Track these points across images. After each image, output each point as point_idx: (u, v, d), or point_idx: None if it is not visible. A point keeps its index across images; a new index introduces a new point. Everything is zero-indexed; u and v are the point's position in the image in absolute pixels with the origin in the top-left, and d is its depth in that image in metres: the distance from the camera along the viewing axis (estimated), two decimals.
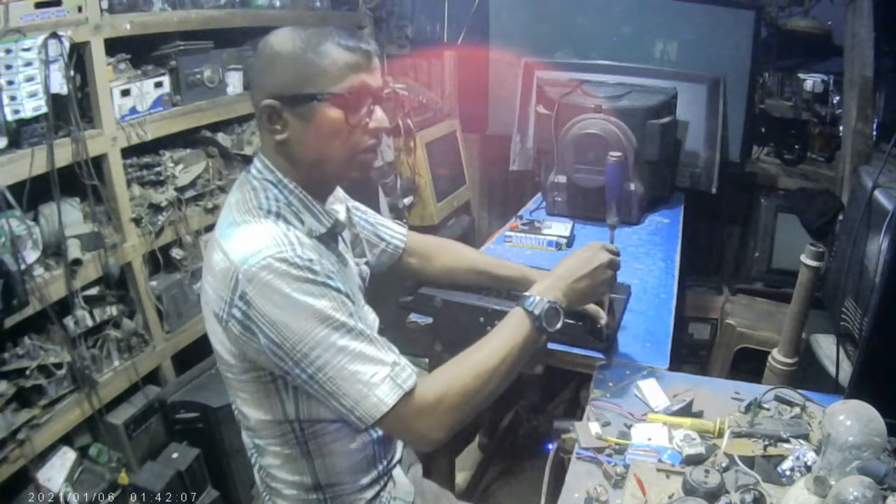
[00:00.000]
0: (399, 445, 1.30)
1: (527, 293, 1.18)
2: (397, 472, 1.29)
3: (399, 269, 1.52)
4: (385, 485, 1.25)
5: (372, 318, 1.25)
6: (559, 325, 1.17)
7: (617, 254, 1.31)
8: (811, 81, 3.19)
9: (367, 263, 1.38)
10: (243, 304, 0.98)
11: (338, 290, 1.01)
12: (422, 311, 1.55)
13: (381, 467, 1.22)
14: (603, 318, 1.42)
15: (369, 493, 1.21)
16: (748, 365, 2.31)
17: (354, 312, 1.02)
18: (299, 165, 1.09)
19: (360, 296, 1.24)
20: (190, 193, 2.18)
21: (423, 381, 1.03)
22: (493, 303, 1.46)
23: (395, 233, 1.48)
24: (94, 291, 1.90)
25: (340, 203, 1.27)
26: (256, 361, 1.05)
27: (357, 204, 1.42)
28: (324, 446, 1.13)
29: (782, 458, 1.11)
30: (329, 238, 1.14)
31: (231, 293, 0.98)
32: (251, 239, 1.00)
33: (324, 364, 0.98)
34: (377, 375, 0.98)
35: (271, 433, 1.13)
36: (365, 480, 1.20)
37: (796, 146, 3.25)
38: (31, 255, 1.68)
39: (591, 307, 1.40)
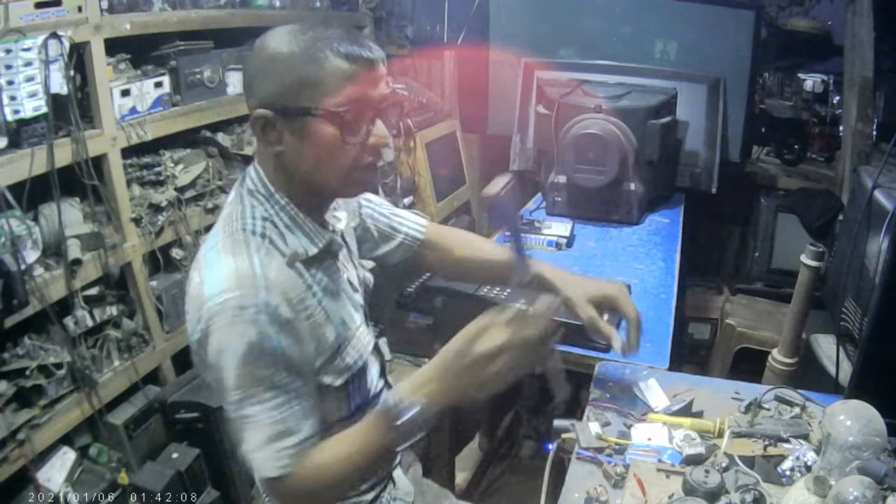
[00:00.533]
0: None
1: (398, 388, 0.99)
2: (397, 473, 1.29)
3: (416, 262, 1.42)
4: (385, 486, 1.25)
5: (367, 339, 1.17)
6: (424, 433, 0.98)
7: (543, 316, 0.98)
8: (811, 81, 3.20)
9: (374, 266, 1.33)
10: (200, 336, 0.97)
11: (274, 355, 0.95)
12: (422, 308, 1.54)
13: (380, 471, 1.22)
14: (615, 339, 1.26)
15: (369, 496, 1.21)
16: (748, 365, 2.31)
17: (286, 380, 0.96)
18: (294, 179, 1.03)
19: (356, 315, 1.15)
20: (190, 193, 2.18)
21: (298, 471, 0.98)
22: (494, 302, 1.46)
23: (413, 224, 1.38)
24: (94, 291, 1.90)
25: (342, 209, 1.19)
26: None
27: (371, 196, 1.33)
28: None
29: (782, 458, 1.11)
30: (324, 255, 1.09)
31: (196, 321, 0.98)
32: (222, 273, 0.96)
33: (239, 422, 0.97)
34: (266, 449, 0.96)
35: None
36: (365, 485, 1.20)
37: (796, 146, 3.25)
38: (31, 255, 1.68)
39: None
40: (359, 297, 1.19)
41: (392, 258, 1.39)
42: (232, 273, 0.96)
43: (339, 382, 1.09)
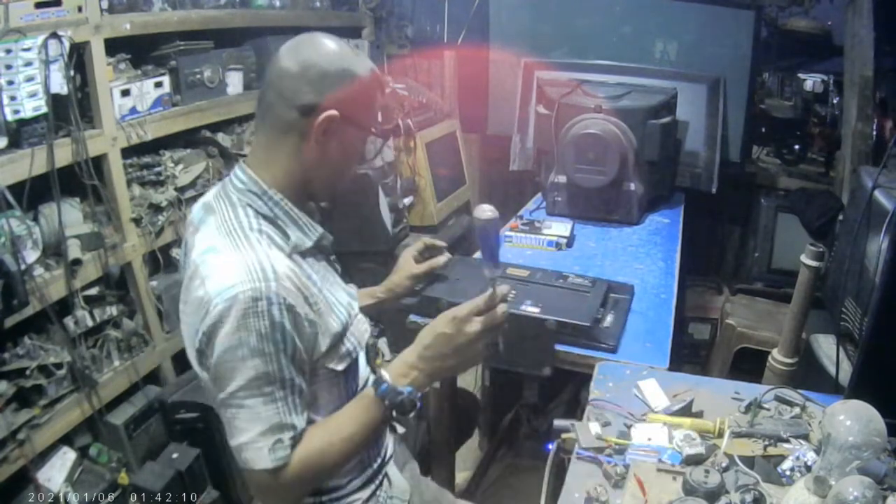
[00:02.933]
0: (389, 443, 1.30)
1: (383, 373, 1.05)
2: (392, 471, 1.29)
3: None
4: (380, 484, 1.25)
5: (364, 327, 1.21)
6: (412, 414, 1.05)
7: (498, 302, 1.06)
8: (811, 81, 3.19)
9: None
10: (204, 337, 0.98)
11: (283, 348, 0.98)
12: (426, 314, 1.54)
13: (374, 466, 1.23)
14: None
15: (364, 493, 1.21)
16: (748, 365, 2.31)
17: (288, 375, 0.99)
18: (299, 179, 1.08)
19: (354, 304, 1.20)
20: (190, 193, 2.18)
21: (291, 461, 1.01)
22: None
23: None
24: (94, 291, 1.91)
25: None
26: None
27: None
28: None
29: (782, 458, 1.11)
30: (316, 250, 1.13)
31: (200, 322, 0.98)
32: (227, 271, 0.97)
33: (234, 413, 0.99)
34: (261, 441, 0.98)
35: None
36: (357, 482, 1.20)
37: (796, 146, 3.25)
38: (31, 255, 1.68)
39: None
40: (351, 287, 1.25)
41: None
42: (239, 268, 0.97)
43: (341, 367, 1.12)
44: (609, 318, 1.57)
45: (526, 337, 1.48)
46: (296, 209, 1.09)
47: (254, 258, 0.99)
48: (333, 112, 1.03)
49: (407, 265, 1.53)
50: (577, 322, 1.46)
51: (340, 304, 1.14)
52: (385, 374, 1.05)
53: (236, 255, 0.99)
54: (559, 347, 1.49)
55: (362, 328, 1.20)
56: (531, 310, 1.50)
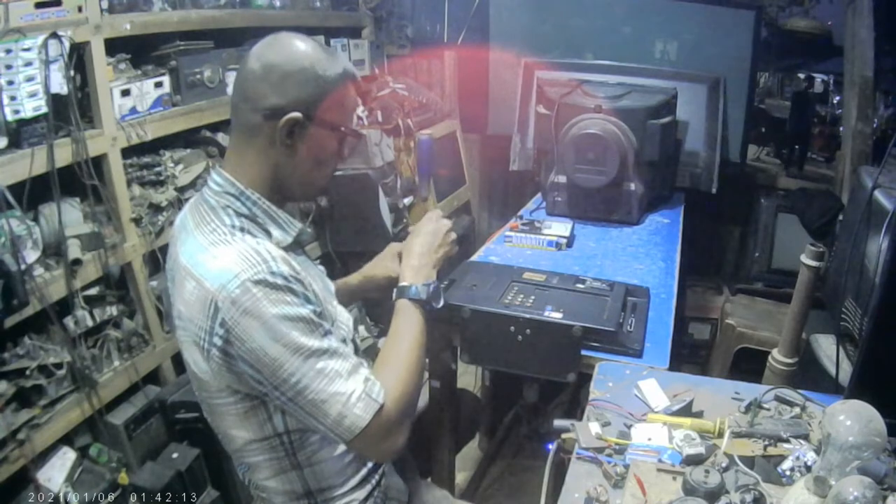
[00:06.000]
0: None
1: (402, 283, 1.24)
2: (389, 472, 1.29)
3: None
4: (377, 484, 1.25)
5: (346, 317, 1.24)
6: (442, 301, 1.27)
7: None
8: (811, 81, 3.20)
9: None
10: (223, 332, 0.97)
11: (312, 309, 1.01)
12: (447, 320, 1.51)
13: (370, 465, 1.23)
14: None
15: (361, 494, 1.21)
16: (748, 365, 2.31)
17: (328, 329, 1.03)
18: (274, 179, 1.09)
19: (330, 296, 1.24)
20: (190, 193, 2.17)
21: (385, 397, 1.05)
22: (524, 311, 1.47)
23: None
24: (94, 291, 1.90)
25: None
26: (238, 386, 1.04)
27: None
28: (312, 455, 1.14)
29: (782, 458, 1.11)
30: (296, 245, 1.15)
31: (210, 321, 0.97)
32: (223, 262, 0.97)
33: (303, 388, 0.98)
34: (354, 394, 1.00)
35: (260, 450, 1.12)
36: (354, 481, 1.20)
37: (796, 146, 3.25)
38: (31, 255, 1.68)
39: None
40: (328, 282, 1.28)
41: None
42: (235, 257, 0.98)
43: None
44: (631, 322, 1.56)
45: (550, 343, 1.46)
46: (274, 207, 1.10)
47: (246, 247, 1.00)
48: (296, 114, 1.02)
49: (392, 248, 1.50)
50: (603, 327, 1.45)
51: (325, 296, 1.17)
52: (406, 281, 1.23)
53: (227, 248, 1.00)
54: (584, 353, 1.47)
55: (345, 317, 1.23)
56: (554, 315, 1.48)
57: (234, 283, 0.95)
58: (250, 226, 1.06)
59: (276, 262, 0.99)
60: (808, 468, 1.06)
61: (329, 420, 1.00)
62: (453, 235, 1.38)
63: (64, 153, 1.74)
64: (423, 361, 1.17)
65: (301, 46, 1.05)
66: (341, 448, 1.16)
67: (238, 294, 0.95)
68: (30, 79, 1.63)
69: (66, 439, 1.81)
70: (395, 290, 1.25)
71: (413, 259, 1.28)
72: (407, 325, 1.18)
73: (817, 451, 1.09)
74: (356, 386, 1.01)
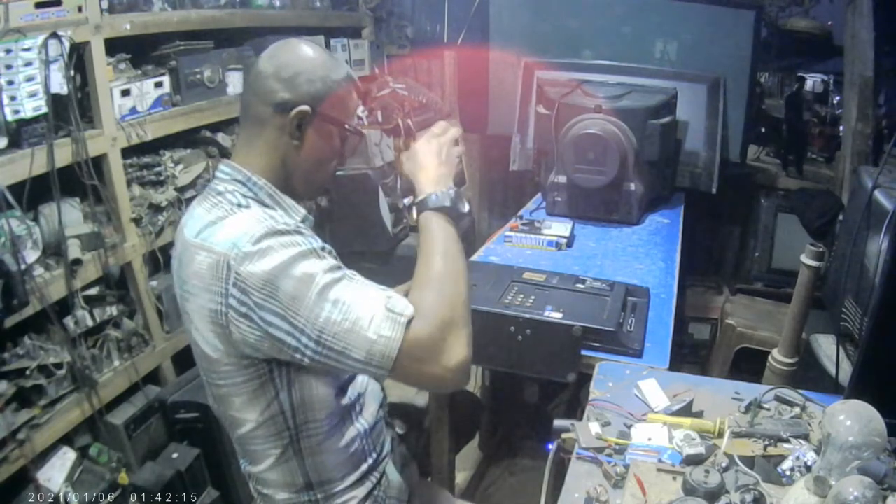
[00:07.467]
0: (386, 441, 1.30)
1: (422, 195, 1.17)
2: (390, 470, 1.29)
3: None
4: (378, 482, 1.25)
5: None
6: (468, 206, 1.21)
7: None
8: (811, 81, 3.20)
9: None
10: (238, 291, 0.97)
11: (322, 246, 1.04)
12: None
13: (370, 461, 1.23)
14: None
15: (361, 491, 1.21)
16: (748, 365, 2.31)
17: (340, 264, 1.05)
18: (280, 171, 1.13)
19: None
20: (190, 193, 2.18)
21: (415, 312, 1.00)
22: (524, 311, 1.47)
23: None
24: (94, 291, 1.91)
25: None
26: (255, 355, 1.04)
27: None
28: (315, 445, 1.15)
29: (782, 458, 1.11)
30: (300, 228, 1.16)
31: (225, 283, 0.98)
32: (233, 229, 1.01)
33: (325, 322, 0.96)
34: (376, 316, 0.97)
35: (265, 436, 1.13)
36: (354, 476, 1.21)
37: (794, 149, 3.25)
38: (31, 255, 1.68)
39: None
40: None
41: None
42: (243, 222, 1.02)
43: None
44: (631, 322, 1.56)
45: (550, 343, 1.47)
46: (279, 192, 1.13)
47: (252, 212, 1.05)
48: (305, 107, 1.09)
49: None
50: (603, 327, 1.46)
51: None
52: (424, 193, 1.16)
53: (237, 217, 1.04)
54: (583, 353, 1.48)
55: None
56: (554, 315, 1.48)
57: (244, 240, 0.98)
58: (257, 206, 1.09)
59: (286, 217, 1.06)
60: (808, 468, 1.06)
61: (361, 353, 0.96)
62: (461, 148, 1.30)
63: (64, 153, 1.74)
64: (462, 269, 1.09)
65: (310, 50, 1.14)
66: (345, 440, 1.17)
67: (249, 247, 0.97)
68: (30, 79, 1.63)
69: (66, 439, 1.81)
70: (412, 207, 1.21)
71: (429, 170, 1.20)
72: (434, 238, 1.11)
73: (817, 451, 1.09)
74: (376, 308, 0.97)
